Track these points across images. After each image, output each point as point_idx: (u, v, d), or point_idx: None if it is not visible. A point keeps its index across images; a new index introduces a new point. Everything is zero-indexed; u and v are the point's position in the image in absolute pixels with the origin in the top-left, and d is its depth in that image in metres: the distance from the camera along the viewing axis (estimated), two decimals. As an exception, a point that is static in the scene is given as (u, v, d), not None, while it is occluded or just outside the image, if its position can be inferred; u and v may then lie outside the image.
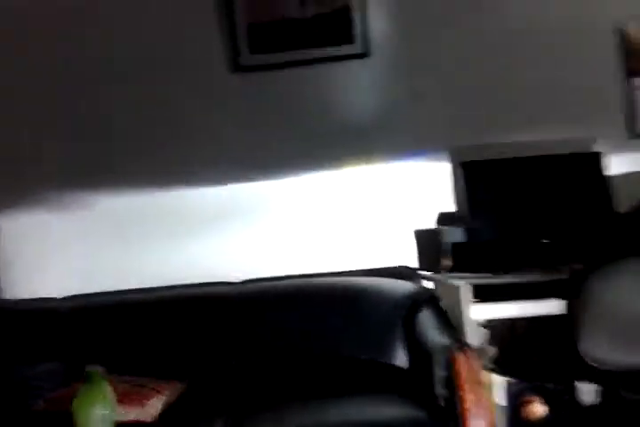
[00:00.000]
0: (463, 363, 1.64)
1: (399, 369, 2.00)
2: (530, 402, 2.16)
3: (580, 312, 1.68)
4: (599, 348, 1.68)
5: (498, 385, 2.14)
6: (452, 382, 1.65)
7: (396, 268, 2.38)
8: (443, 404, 1.68)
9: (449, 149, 2.43)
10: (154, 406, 1.78)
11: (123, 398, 1.71)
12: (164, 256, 2.43)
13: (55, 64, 2.46)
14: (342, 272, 2.37)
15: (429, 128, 2.45)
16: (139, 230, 2.45)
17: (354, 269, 2.38)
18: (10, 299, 2.41)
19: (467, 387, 1.61)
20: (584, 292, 1.67)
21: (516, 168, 2.28)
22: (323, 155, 2.47)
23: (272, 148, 2.46)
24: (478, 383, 1.64)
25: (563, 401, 2.11)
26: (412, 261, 2.43)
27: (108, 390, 1.22)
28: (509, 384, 2.13)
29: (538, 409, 2.16)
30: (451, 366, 1.65)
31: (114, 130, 2.48)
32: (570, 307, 1.71)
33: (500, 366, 2.22)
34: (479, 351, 2.23)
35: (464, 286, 1.95)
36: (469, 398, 1.60)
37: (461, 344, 1.75)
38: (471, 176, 2.25)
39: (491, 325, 2.27)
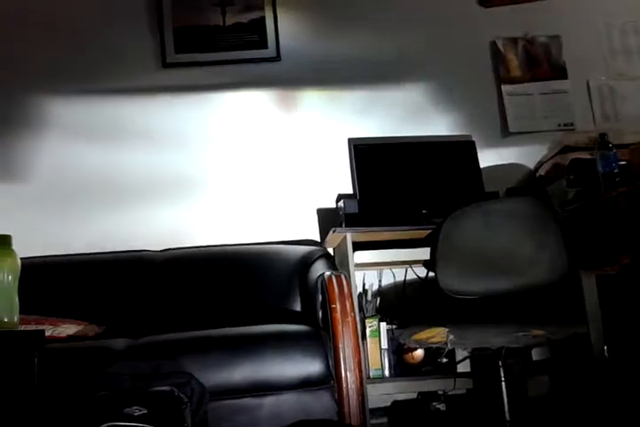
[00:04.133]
0: (334, 283, 1.93)
1: (295, 312, 2.31)
2: (412, 349, 2.44)
3: (435, 253, 1.99)
4: (452, 279, 1.99)
5: (383, 331, 2.42)
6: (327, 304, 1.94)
7: (301, 240, 2.71)
8: (321, 322, 1.98)
9: (349, 140, 2.78)
10: (69, 329, 2.00)
11: (40, 320, 1.96)
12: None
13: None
14: (253, 243, 2.68)
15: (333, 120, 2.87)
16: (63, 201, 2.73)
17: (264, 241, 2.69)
18: None
19: (336, 302, 1.90)
20: (438, 235, 1.99)
21: (402, 151, 2.66)
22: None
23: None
24: (348, 301, 1.92)
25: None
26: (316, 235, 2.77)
27: (16, 257, 1.43)
28: (393, 331, 2.42)
29: (417, 354, 2.44)
30: (326, 286, 1.94)
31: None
32: (432, 252, 2.03)
33: (384, 315, 2.50)
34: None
35: (349, 234, 2.28)
36: (337, 310, 1.88)
37: (337, 272, 2.04)
38: (361, 157, 2.60)
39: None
